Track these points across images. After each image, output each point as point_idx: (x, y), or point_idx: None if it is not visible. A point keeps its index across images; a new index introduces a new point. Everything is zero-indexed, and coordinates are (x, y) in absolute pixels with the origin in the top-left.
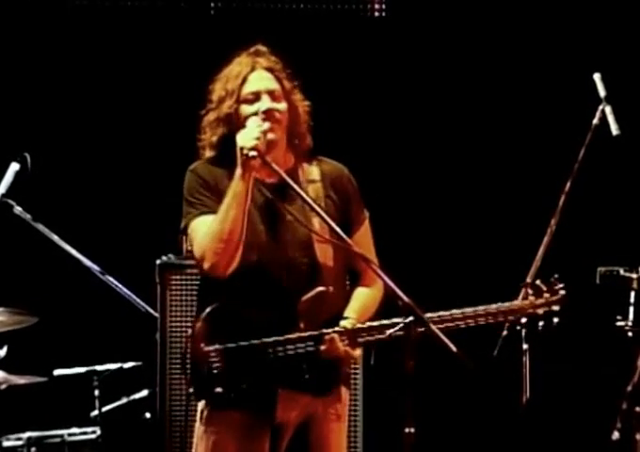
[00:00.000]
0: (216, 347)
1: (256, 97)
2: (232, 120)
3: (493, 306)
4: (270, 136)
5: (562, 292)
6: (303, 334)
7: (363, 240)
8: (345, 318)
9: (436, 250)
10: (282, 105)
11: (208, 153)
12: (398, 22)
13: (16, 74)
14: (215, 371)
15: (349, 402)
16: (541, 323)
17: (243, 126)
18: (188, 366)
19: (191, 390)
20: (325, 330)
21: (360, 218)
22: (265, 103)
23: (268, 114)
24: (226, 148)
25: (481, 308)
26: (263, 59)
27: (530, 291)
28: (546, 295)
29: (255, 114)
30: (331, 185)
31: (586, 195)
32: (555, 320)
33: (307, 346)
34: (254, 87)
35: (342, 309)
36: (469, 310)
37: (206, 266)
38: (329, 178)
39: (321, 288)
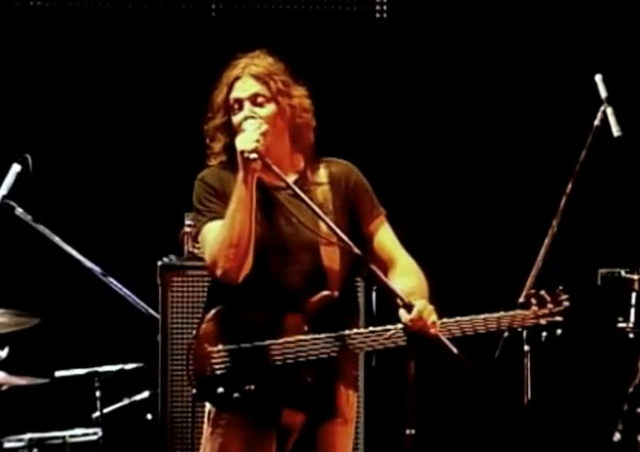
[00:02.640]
0: (219, 348)
1: (239, 105)
2: (229, 128)
3: (495, 315)
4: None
5: (566, 303)
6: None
7: (384, 237)
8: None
9: (437, 252)
10: (266, 110)
11: (216, 160)
12: (400, 23)
13: (18, 76)
14: (217, 372)
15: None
16: (544, 334)
17: (239, 133)
18: (191, 367)
19: (194, 391)
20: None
21: (372, 215)
22: (245, 112)
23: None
24: (232, 154)
25: (482, 317)
26: (253, 64)
27: (534, 301)
28: (549, 305)
29: (240, 123)
30: (339, 187)
31: (588, 196)
32: (559, 332)
33: (318, 350)
34: (236, 95)
35: (349, 313)
36: (469, 318)
37: (219, 272)
38: (337, 180)
39: (326, 292)
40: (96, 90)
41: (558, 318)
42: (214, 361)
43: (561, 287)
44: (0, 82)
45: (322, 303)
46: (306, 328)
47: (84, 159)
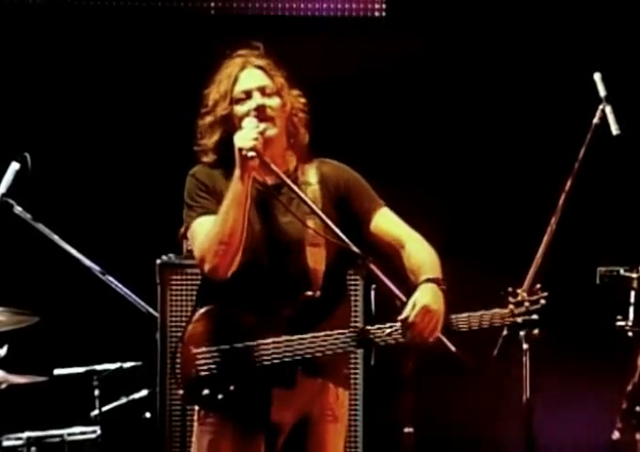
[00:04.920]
0: (203, 349)
1: (247, 95)
2: (229, 122)
3: (475, 313)
4: (268, 132)
5: (542, 301)
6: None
7: (386, 223)
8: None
9: (435, 251)
10: (275, 102)
11: (207, 157)
12: (398, 22)
13: (17, 74)
14: (202, 374)
15: (349, 403)
16: (522, 333)
17: (239, 127)
18: (178, 369)
19: (181, 392)
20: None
21: (370, 208)
22: (256, 100)
23: (260, 111)
24: (225, 150)
25: (464, 315)
26: (253, 58)
27: (512, 299)
28: (526, 304)
29: (248, 113)
30: (329, 187)
31: (587, 194)
32: (536, 332)
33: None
34: (245, 85)
35: (339, 313)
36: (454, 317)
37: (207, 268)
38: (328, 180)
39: (308, 293)
40: (94, 88)
41: (535, 317)
42: (198, 362)
43: (539, 285)
44: None
45: (303, 303)
46: (288, 327)
47: (83, 157)
